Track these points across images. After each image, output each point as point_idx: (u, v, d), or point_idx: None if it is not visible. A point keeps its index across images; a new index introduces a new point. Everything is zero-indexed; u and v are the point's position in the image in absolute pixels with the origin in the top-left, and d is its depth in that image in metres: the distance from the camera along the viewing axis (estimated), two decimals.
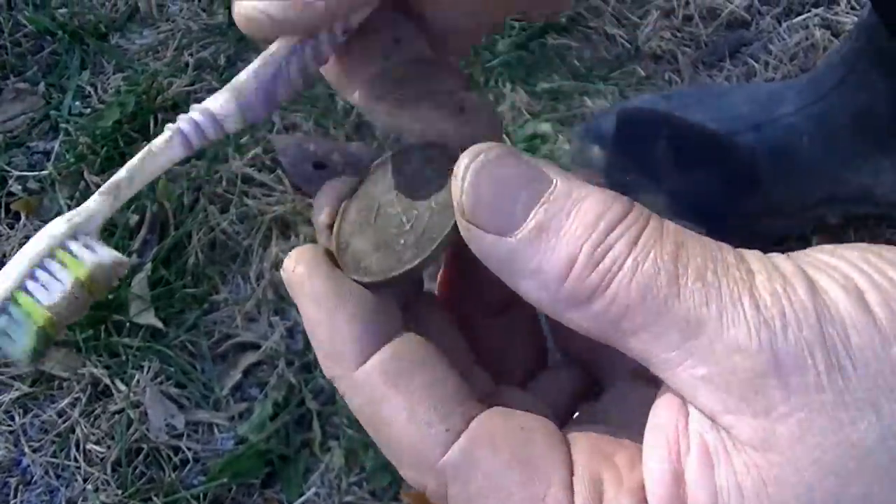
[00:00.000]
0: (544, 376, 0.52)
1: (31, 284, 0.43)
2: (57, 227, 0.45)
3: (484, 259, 0.41)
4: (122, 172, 0.47)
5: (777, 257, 0.39)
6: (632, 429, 0.43)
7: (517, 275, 0.40)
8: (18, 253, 0.44)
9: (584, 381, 0.51)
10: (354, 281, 0.45)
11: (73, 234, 0.45)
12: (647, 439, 0.40)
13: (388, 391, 0.43)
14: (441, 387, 0.43)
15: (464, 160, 0.41)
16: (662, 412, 0.39)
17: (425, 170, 0.46)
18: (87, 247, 0.45)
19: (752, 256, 0.38)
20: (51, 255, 0.44)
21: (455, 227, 0.42)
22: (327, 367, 0.45)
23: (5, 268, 0.44)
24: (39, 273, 0.44)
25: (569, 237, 0.38)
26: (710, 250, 0.38)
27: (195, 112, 0.47)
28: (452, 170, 0.42)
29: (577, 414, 0.50)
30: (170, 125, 0.47)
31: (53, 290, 0.43)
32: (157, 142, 0.47)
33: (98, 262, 0.45)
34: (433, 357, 0.44)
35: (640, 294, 0.37)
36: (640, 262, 0.37)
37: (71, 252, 0.44)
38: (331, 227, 0.47)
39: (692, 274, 0.37)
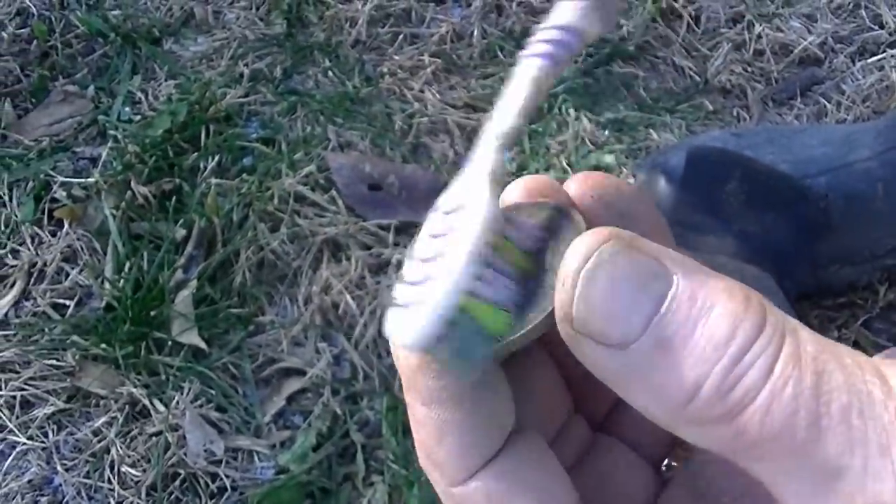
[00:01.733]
0: None
1: (477, 287, 0.37)
2: (491, 211, 0.38)
3: (591, 368, 0.36)
4: (515, 120, 0.40)
5: None
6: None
7: (630, 387, 0.35)
8: (459, 251, 0.37)
9: None
10: None
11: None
12: None
13: None
14: None
15: (572, 261, 0.36)
16: None
17: (542, 235, 0.41)
18: (507, 220, 0.39)
19: None
20: (492, 245, 0.38)
21: (550, 315, 0.37)
22: (427, 468, 0.41)
23: (444, 275, 0.37)
24: (481, 270, 0.38)
25: (695, 357, 0.34)
26: (854, 380, 0.33)
27: (547, 32, 0.41)
28: (562, 244, 0.38)
29: (672, 464, 0.47)
30: (526, 54, 0.41)
31: (499, 286, 0.38)
32: (529, 75, 0.41)
33: (531, 241, 0.39)
34: (539, 479, 0.40)
35: (776, 432, 0.33)
36: (776, 395, 0.33)
37: (504, 235, 0.39)
38: None
39: (836, 415, 0.33)
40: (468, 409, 0.39)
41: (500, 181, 0.39)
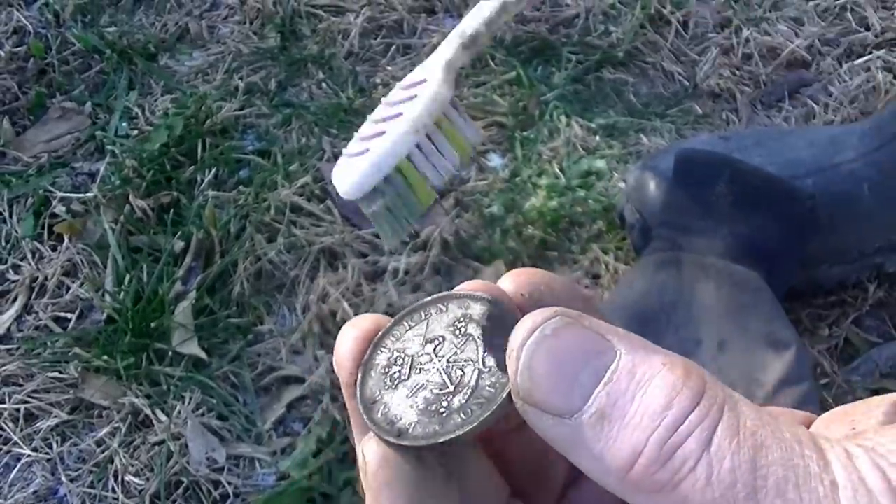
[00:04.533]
0: (581, 495, 0.49)
1: (417, 156, 0.39)
2: (442, 90, 0.40)
3: (542, 436, 0.38)
4: (480, 27, 0.43)
5: (860, 458, 0.35)
6: None
7: (576, 455, 0.37)
8: (405, 115, 0.39)
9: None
10: (388, 443, 0.41)
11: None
12: None
13: None
14: None
15: (518, 335, 0.38)
16: None
17: (467, 324, 0.43)
18: (455, 108, 0.41)
19: (837, 461, 0.35)
20: (437, 122, 0.40)
21: (497, 410, 0.39)
22: None
23: (390, 131, 0.39)
24: (424, 143, 0.40)
25: (633, 427, 0.35)
26: (792, 455, 0.35)
27: None
28: (496, 328, 0.40)
29: None
30: None
31: (440, 166, 0.40)
32: None
33: (474, 136, 0.41)
34: None
35: (716, 503, 0.34)
36: (714, 468, 0.34)
37: (450, 120, 0.40)
38: (355, 379, 0.43)
39: (772, 488, 0.34)
40: None
41: (455, 70, 0.42)
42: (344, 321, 1.27)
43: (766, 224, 1.24)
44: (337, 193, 1.40)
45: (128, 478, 1.21)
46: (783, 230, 1.25)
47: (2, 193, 1.48)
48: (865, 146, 1.28)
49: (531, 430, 0.39)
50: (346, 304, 1.31)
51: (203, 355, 1.29)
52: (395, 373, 0.43)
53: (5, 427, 1.27)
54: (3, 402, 1.28)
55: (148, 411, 1.25)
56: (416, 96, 0.41)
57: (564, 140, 1.48)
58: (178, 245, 1.38)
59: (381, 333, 0.44)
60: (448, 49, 0.42)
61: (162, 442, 1.23)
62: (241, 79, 1.60)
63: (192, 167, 1.47)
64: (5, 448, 1.26)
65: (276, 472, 1.21)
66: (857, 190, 1.26)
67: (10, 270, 1.41)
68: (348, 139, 1.45)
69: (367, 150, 0.39)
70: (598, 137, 1.50)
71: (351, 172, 0.38)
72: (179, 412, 1.24)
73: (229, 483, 1.20)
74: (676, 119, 1.53)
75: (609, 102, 1.56)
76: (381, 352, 0.43)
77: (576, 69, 1.59)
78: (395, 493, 0.40)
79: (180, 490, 1.20)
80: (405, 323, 0.44)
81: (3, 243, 1.43)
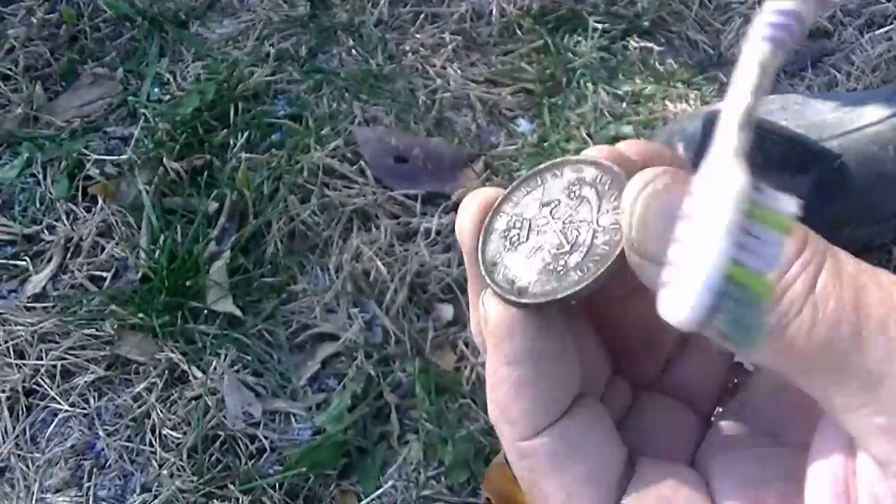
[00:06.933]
0: (686, 362, 0.51)
1: (738, 253, 0.39)
2: (739, 181, 0.39)
3: (653, 289, 0.39)
4: (748, 99, 0.41)
5: None
6: (783, 436, 0.44)
7: None
8: (712, 222, 0.39)
9: (728, 361, 0.51)
10: (509, 301, 0.43)
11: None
12: (811, 477, 0.39)
13: (550, 471, 0.43)
14: (599, 475, 0.43)
15: (630, 192, 0.40)
16: (828, 449, 0.39)
17: (581, 187, 0.45)
18: (757, 190, 0.40)
19: None
20: (748, 214, 0.39)
21: (610, 266, 0.41)
22: (498, 423, 0.44)
23: (706, 242, 0.39)
24: (742, 238, 0.39)
25: None
26: (892, 296, 0.37)
27: (771, 15, 0.43)
28: (609, 189, 0.42)
29: (719, 410, 0.49)
30: (753, 36, 0.42)
31: (768, 255, 0.39)
32: (757, 58, 0.42)
33: (787, 206, 0.40)
34: (596, 444, 0.44)
35: (820, 344, 0.36)
36: (819, 309, 0.36)
37: (758, 204, 0.40)
38: (476, 244, 0.46)
39: (874, 326, 0.36)
40: (545, 370, 0.43)
41: (746, 156, 0.41)
42: (377, 280, 1.30)
43: (794, 185, 1.26)
44: (369, 157, 1.43)
45: (165, 431, 1.23)
46: (809, 191, 1.26)
47: (35, 156, 1.49)
48: (891, 109, 1.29)
49: (638, 299, 0.41)
50: (379, 263, 1.32)
51: (238, 313, 1.31)
52: (514, 236, 0.45)
53: (42, 383, 1.28)
54: (41, 359, 1.30)
55: (184, 367, 1.26)
56: (715, 201, 0.39)
57: (591, 106, 1.50)
58: (212, 206, 1.39)
59: (499, 200, 0.46)
60: (731, 137, 0.40)
61: (199, 397, 1.24)
62: (272, 45, 1.62)
63: (225, 131, 1.48)
64: (42, 403, 1.27)
65: (311, 426, 1.23)
66: (883, 152, 1.27)
67: (45, 231, 1.42)
68: (378, 104, 1.48)
69: (690, 274, 0.38)
70: (624, 104, 1.51)
71: (682, 302, 0.37)
72: (215, 368, 1.26)
73: (265, 437, 1.22)
74: (701, 87, 1.55)
75: (635, 70, 1.58)
76: (501, 217, 0.46)
77: (602, 38, 1.60)
78: (516, 342, 0.42)
79: (217, 444, 1.22)
80: (522, 189, 0.46)
81: (38, 205, 1.45)
